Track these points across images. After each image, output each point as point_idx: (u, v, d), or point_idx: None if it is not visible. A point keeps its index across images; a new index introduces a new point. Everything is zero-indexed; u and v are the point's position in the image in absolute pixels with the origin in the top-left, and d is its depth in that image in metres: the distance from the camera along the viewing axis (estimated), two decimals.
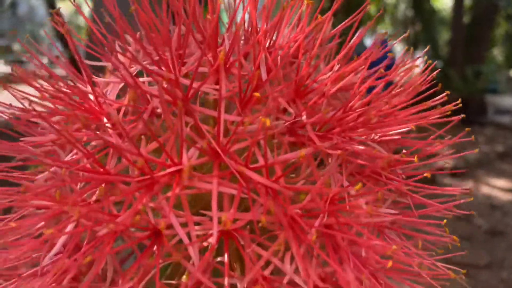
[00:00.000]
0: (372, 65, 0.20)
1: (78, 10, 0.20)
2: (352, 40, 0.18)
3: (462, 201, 0.27)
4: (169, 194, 0.15)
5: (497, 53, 5.38)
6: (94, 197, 0.16)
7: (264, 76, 0.16)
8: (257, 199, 0.16)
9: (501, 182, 2.57)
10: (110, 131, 0.17)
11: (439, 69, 0.27)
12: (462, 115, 0.25)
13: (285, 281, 0.16)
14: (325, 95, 0.17)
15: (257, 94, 0.15)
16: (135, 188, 0.15)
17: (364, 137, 0.18)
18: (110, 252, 0.15)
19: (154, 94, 0.16)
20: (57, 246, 0.15)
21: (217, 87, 0.17)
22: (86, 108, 0.17)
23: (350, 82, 0.18)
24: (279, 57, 0.17)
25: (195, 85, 0.16)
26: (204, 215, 0.16)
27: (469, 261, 1.66)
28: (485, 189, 2.44)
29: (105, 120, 0.17)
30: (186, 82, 0.16)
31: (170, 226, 0.16)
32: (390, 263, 0.16)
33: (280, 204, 0.16)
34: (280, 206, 0.16)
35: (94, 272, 0.16)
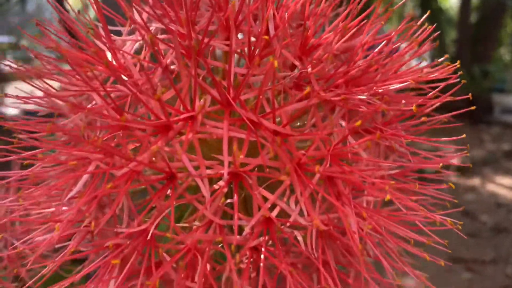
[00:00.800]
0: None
1: None
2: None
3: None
4: (183, 138, 0.16)
5: (504, 52, 5.34)
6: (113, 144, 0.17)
7: (272, 31, 0.18)
8: (265, 144, 0.17)
9: (507, 180, 2.56)
10: (128, 82, 0.18)
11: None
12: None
13: (290, 221, 0.17)
14: (329, 52, 0.18)
15: (266, 37, 0.17)
16: (151, 133, 0.16)
17: (366, 93, 0.19)
18: (127, 190, 0.16)
19: (171, 46, 0.17)
20: (80, 184, 0.17)
21: (228, 42, 0.18)
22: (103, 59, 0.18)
23: (353, 43, 0.20)
24: (286, 14, 0.18)
25: (207, 40, 0.18)
26: (216, 159, 0.17)
27: (475, 256, 1.66)
28: (491, 187, 2.44)
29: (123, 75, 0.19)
30: (199, 37, 0.17)
31: (183, 170, 0.17)
32: (387, 196, 0.17)
33: (286, 149, 0.17)
34: (286, 152, 0.17)
35: (112, 209, 0.17)
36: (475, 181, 2.51)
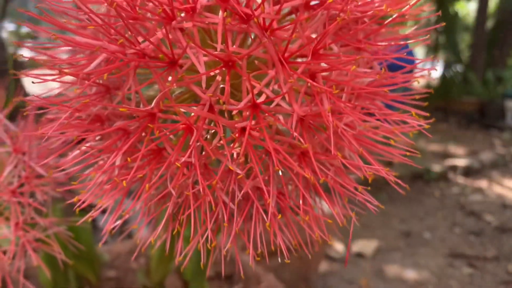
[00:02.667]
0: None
1: None
2: None
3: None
4: (184, 24, 0.19)
5: None
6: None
7: None
8: (257, 34, 0.19)
9: None
10: None
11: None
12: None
13: (272, 105, 0.20)
14: None
15: None
16: (157, 19, 0.19)
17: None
18: (135, 71, 0.19)
19: None
20: (95, 62, 0.19)
21: None
22: None
23: None
24: None
25: None
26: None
27: (477, 253, 1.67)
28: (498, 189, 2.44)
29: None
30: None
31: (185, 57, 0.20)
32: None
33: (274, 43, 0.20)
34: (274, 45, 0.20)
35: (123, 91, 0.20)
36: (483, 183, 2.52)
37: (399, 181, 0.23)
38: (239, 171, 0.21)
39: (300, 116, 0.20)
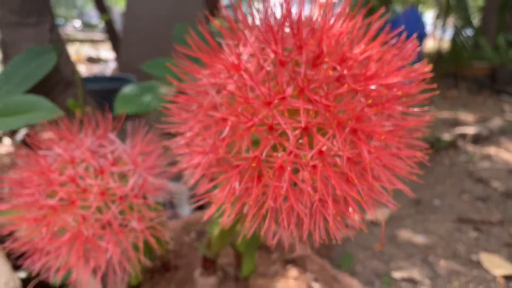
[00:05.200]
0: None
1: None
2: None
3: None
4: (281, 107, 0.32)
5: None
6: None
7: (325, 50, 0.33)
8: (320, 112, 0.32)
9: None
10: (245, 75, 0.33)
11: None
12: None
13: (332, 152, 0.33)
14: (357, 61, 0.33)
15: (325, 48, 0.32)
16: (262, 103, 0.32)
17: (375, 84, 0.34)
18: (249, 135, 0.32)
19: (269, 58, 0.33)
20: (225, 131, 0.33)
21: (301, 56, 0.33)
22: (230, 63, 0.34)
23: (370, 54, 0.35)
24: (332, 40, 0.33)
25: (289, 54, 0.33)
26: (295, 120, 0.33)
27: (483, 218, 1.78)
28: (505, 155, 2.52)
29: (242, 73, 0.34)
30: (288, 54, 0.33)
31: (278, 124, 0.33)
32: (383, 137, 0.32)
33: (333, 114, 0.33)
34: (333, 116, 0.33)
35: (238, 145, 0.33)
36: (491, 150, 2.60)
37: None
38: (309, 189, 0.34)
39: (347, 157, 0.34)
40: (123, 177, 0.48)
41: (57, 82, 0.81)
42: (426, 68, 0.37)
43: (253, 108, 0.33)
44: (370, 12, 0.38)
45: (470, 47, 4.21)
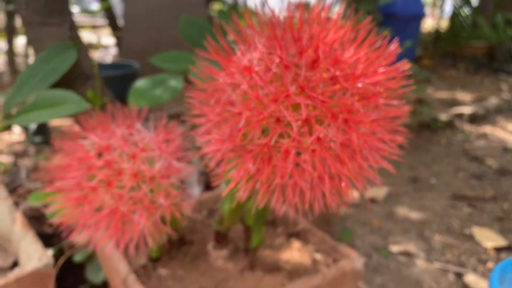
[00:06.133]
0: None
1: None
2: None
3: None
4: (286, 103, 0.40)
5: None
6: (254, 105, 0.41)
7: (321, 55, 0.41)
8: (317, 106, 0.40)
9: None
10: (256, 77, 0.41)
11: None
12: None
13: (328, 138, 0.41)
14: (347, 63, 0.41)
15: (321, 53, 0.39)
16: (270, 100, 0.40)
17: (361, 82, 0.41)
18: (260, 125, 0.40)
19: (274, 62, 0.40)
20: (241, 122, 0.40)
21: (301, 60, 0.41)
22: (243, 66, 0.42)
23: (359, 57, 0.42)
24: (327, 46, 0.41)
25: (293, 58, 0.41)
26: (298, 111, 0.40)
27: (476, 194, 1.86)
28: (501, 134, 2.59)
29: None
30: (291, 59, 0.41)
31: (283, 116, 0.41)
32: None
33: (328, 108, 0.40)
34: (328, 109, 0.40)
35: (251, 133, 0.41)
36: (487, 129, 2.67)
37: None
38: (309, 168, 0.42)
39: (340, 142, 0.41)
40: (151, 161, 0.55)
41: (77, 76, 0.89)
42: (405, 66, 0.44)
43: (263, 104, 0.41)
44: (361, 16, 0.45)
45: (469, 26, 4.24)
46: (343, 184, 0.42)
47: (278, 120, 0.41)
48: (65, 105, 0.69)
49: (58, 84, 0.84)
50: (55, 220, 0.54)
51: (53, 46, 0.83)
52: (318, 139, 0.41)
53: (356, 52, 0.42)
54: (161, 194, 0.55)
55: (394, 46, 0.44)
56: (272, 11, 0.44)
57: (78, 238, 0.90)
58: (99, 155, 0.53)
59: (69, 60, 0.82)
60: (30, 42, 0.85)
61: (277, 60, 0.41)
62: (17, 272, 0.77)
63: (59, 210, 0.54)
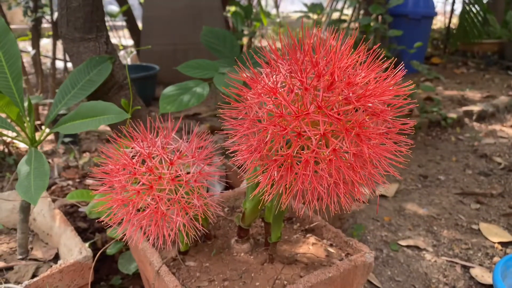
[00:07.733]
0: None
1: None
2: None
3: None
4: (306, 120, 0.47)
5: None
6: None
7: (336, 79, 0.48)
8: (333, 122, 0.47)
9: None
10: (280, 97, 0.49)
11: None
12: None
13: (342, 149, 0.48)
14: (359, 85, 0.48)
15: (336, 78, 0.47)
16: (293, 117, 0.47)
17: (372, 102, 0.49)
18: (282, 137, 0.48)
19: (296, 85, 0.48)
20: (268, 137, 0.48)
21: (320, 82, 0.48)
22: (269, 87, 0.49)
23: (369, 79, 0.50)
24: (342, 72, 0.48)
25: (311, 82, 0.48)
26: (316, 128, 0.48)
27: (484, 191, 1.91)
28: (509, 131, 2.63)
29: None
30: (310, 82, 0.48)
31: (304, 131, 0.48)
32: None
33: (342, 124, 0.48)
34: (342, 125, 0.48)
35: (276, 145, 0.48)
36: (496, 127, 2.71)
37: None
38: (326, 175, 0.49)
39: (353, 153, 0.49)
40: (186, 166, 0.63)
41: (112, 86, 0.97)
42: (410, 86, 0.52)
43: (286, 120, 0.48)
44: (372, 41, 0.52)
45: (479, 24, 4.25)
46: (355, 189, 0.50)
47: (299, 134, 0.48)
48: (107, 115, 0.77)
49: (94, 93, 0.92)
50: (93, 217, 0.62)
51: (90, 59, 0.91)
52: (334, 150, 0.48)
53: (366, 75, 0.49)
54: (194, 195, 0.63)
55: (400, 68, 0.51)
56: (292, 37, 0.52)
57: (112, 233, 0.99)
58: (143, 161, 0.61)
59: (105, 72, 0.91)
60: (69, 56, 0.94)
61: (298, 83, 0.49)
62: (60, 264, 0.86)
63: (105, 210, 0.62)
